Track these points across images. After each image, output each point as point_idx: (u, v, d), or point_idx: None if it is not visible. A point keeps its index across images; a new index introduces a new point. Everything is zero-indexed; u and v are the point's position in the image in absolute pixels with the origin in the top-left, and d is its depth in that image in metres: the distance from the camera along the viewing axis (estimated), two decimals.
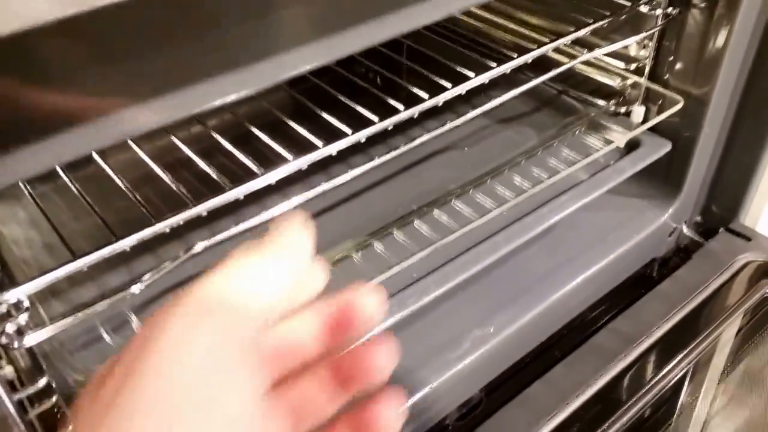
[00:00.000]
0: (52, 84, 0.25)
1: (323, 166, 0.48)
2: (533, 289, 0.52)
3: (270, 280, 0.22)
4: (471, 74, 0.45)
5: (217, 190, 0.36)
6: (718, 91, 0.56)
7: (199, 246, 0.34)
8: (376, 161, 0.42)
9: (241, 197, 0.36)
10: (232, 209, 0.37)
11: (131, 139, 0.46)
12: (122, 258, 0.49)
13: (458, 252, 0.50)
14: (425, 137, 0.45)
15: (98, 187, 0.44)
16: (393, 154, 0.44)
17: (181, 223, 0.34)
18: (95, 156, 0.44)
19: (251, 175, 0.37)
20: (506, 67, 0.46)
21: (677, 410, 0.49)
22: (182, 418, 0.19)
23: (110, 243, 0.31)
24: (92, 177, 0.45)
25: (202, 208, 0.34)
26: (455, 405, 0.48)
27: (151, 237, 0.34)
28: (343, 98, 0.48)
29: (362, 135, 0.39)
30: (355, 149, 0.56)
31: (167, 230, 0.33)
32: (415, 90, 0.44)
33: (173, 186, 0.38)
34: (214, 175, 0.39)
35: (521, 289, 0.52)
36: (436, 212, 0.54)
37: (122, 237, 0.32)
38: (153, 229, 0.33)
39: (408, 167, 0.63)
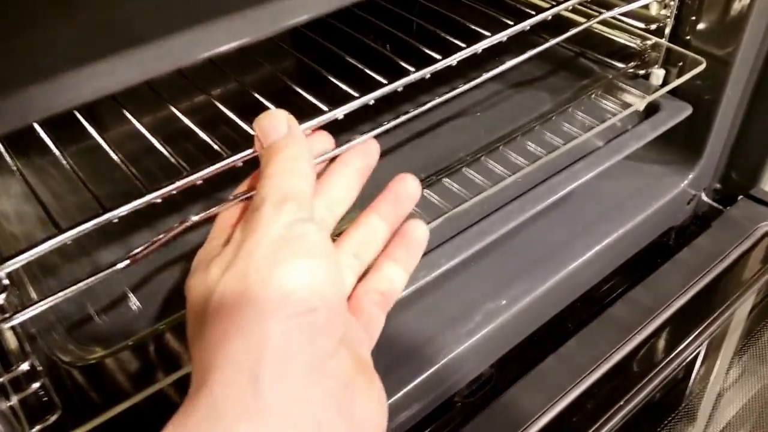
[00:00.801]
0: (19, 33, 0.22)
1: (331, 133, 0.46)
2: (547, 260, 0.50)
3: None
4: (487, 33, 0.42)
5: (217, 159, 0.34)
6: (742, 52, 0.53)
7: (194, 218, 0.32)
8: (385, 126, 0.40)
9: (240, 164, 0.34)
10: (232, 180, 0.35)
11: (129, 111, 0.44)
12: (122, 235, 0.47)
13: (470, 222, 0.49)
14: (435, 101, 0.42)
15: (97, 159, 0.42)
16: (402, 118, 0.41)
17: (175, 193, 0.32)
18: (87, 126, 0.42)
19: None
20: (524, 25, 0.43)
21: (690, 386, 0.47)
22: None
23: (98, 215, 0.29)
24: (92, 149, 0.43)
25: (197, 177, 0.32)
26: (465, 382, 0.47)
27: (150, 212, 0.33)
28: (351, 60, 0.46)
29: (370, 98, 0.37)
30: (364, 117, 0.53)
31: (159, 201, 0.31)
32: (427, 51, 0.42)
33: (170, 157, 0.36)
34: (214, 145, 0.37)
35: (535, 260, 0.50)
36: (446, 180, 0.52)
37: (111, 209, 0.30)
38: (144, 200, 0.31)
39: (418, 135, 0.61)
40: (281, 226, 0.27)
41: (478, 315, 0.48)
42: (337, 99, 0.40)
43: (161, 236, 0.32)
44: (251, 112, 0.43)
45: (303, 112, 0.39)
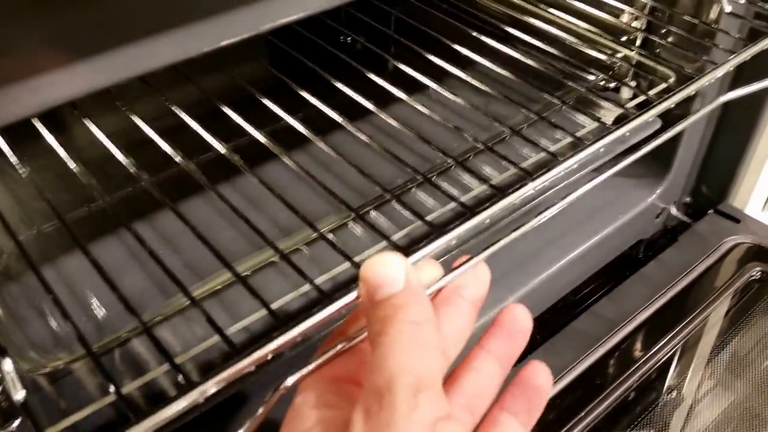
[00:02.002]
0: None
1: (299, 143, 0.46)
2: (515, 272, 0.50)
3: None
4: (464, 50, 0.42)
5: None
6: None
7: (290, 381, 0.26)
8: (495, 246, 0.38)
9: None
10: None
11: (92, 117, 0.44)
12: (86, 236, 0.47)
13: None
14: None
15: (60, 164, 0.42)
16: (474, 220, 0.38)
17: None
18: (46, 134, 0.41)
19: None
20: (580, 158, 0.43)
21: (663, 394, 0.47)
22: None
23: None
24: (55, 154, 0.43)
25: None
26: None
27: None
28: (326, 75, 0.46)
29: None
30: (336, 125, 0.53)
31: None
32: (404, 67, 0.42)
33: (130, 167, 0.36)
34: (176, 157, 0.36)
35: (502, 272, 0.50)
36: (415, 191, 0.52)
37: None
38: None
39: (388, 143, 0.61)
40: (420, 427, 0.21)
41: None
42: (301, 107, 0.40)
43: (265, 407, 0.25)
44: (213, 118, 0.43)
45: (271, 118, 0.39)
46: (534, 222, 0.36)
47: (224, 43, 0.29)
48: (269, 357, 0.25)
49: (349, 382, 0.26)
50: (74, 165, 0.36)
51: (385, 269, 0.24)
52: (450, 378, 0.26)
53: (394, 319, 0.23)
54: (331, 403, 0.24)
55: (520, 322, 0.28)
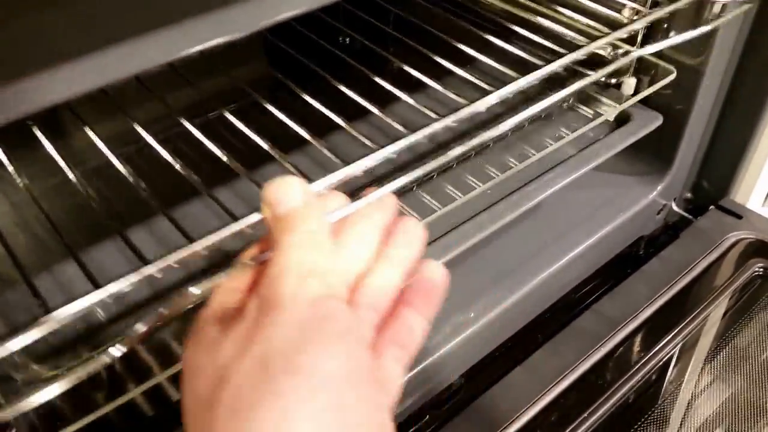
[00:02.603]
0: None
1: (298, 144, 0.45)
2: (516, 271, 0.50)
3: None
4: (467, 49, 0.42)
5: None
6: (713, 61, 0.53)
7: (194, 290, 0.29)
8: (404, 178, 0.38)
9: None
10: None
11: (90, 124, 0.43)
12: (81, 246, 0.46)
13: (440, 233, 0.48)
14: (457, 151, 0.41)
15: (57, 170, 0.41)
16: (421, 171, 0.39)
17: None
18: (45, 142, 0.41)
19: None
20: (556, 66, 0.43)
21: (662, 393, 0.47)
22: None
23: None
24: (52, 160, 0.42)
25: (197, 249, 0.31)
26: (434, 393, 0.47)
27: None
28: (330, 78, 0.45)
29: (391, 150, 0.37)
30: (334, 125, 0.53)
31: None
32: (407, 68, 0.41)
33: (129, 176, 0.35)
34: (176, 164, 0.36)
35: (504, 271, 0.50)
36: (417, 191, 0.51)
37: None
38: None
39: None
40: (305, 305, 0.24)
41: (446, 327, 0.48)
42: (302, 109, 0.39)
43: (161, 313, 0.29)
44: (211, 123, 0.43)
45: (267, 122, 0.39)
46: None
47: (221, 40, 0.29)
48: (174, 265, 0.29)
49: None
50: (72, 174, 0.36)
51: (285, 188, 0.28)
52: (355, 284, 0.29)
53: (293, 227, 0.27)
54: (232, 305, 0.27)
55: (414, 231, 0.31)
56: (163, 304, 0.29)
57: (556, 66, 0.43)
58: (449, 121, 0.39)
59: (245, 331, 0.24)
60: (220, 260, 0.37)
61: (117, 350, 0.28)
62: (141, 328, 0.28)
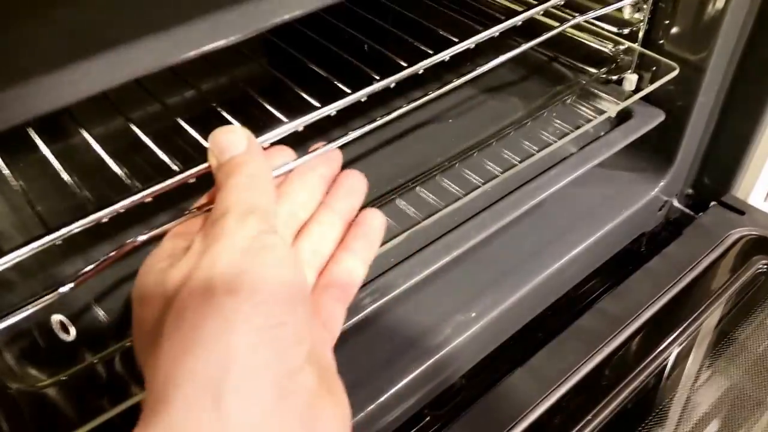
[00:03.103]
0: None
1: (298, 141, 0.45)
2: (518, 270, 0.50)
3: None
4: (455, 39, 0.41)
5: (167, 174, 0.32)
6: (715, 57, 0.53)
7: (141, 237, 0.31)
8: (351, 135, 0.39)
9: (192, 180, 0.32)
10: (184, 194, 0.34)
11: (82, 121, 0.43)
12: (80, 247, 0.46)
13: (441, 232, 0.48)
14: (402, 110, 0.41)
15: (51, 169, 0.41)
16: (367, 127, 0.40)
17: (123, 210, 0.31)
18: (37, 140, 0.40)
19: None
20: (492, 32, 0.42)
21: (666, 393, 0.47)
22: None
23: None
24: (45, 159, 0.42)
25: (145, 194, 0.31)
26: (435, 394, 0.46)
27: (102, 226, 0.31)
28: (317, 68, 0.45)
29: (333, 107, 0.36)
30: (333, 123, 0.52)
31: (106, 219, 0.30)
32: (396, 59, 0.41)
33: (119, 170, 0.35)
34: (165, 158, 0.35)
35: (505, 270, 0.50)
36: (418, 189, 0.51)
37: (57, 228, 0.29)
38: (90, 219, 0.29)
39: (389, 141, 0.60)
40: (246, 237, 0.26)
41: (447, 328, 0.47)
42: (301, 108, 0.38)
43: (109, 255, 0.31)
44: (209, 122, 0.42)
45: (265, 122, 0.38)
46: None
47: (222, 42, 0.28)
48: (121, 210, 0.31)
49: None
50: (67, 176, 0.35)
51: (229, 137, 0.29)
52: (299, 232, 0.31)
53: (235, 172, 0.28)
54: (181, 246, 0.29)
55: (356, 182, 0.33)
56: None
57: (497, 29, 0.42)
58: (408, 72, 0.39)
59: (191, 260, 0.26)
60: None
61: (66, 287, 0.29)
62: (89, 267, 0.30)
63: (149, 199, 0.32)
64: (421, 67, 0.39)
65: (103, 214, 0.31)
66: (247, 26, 0.29)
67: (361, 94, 0.37)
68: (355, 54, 0.49)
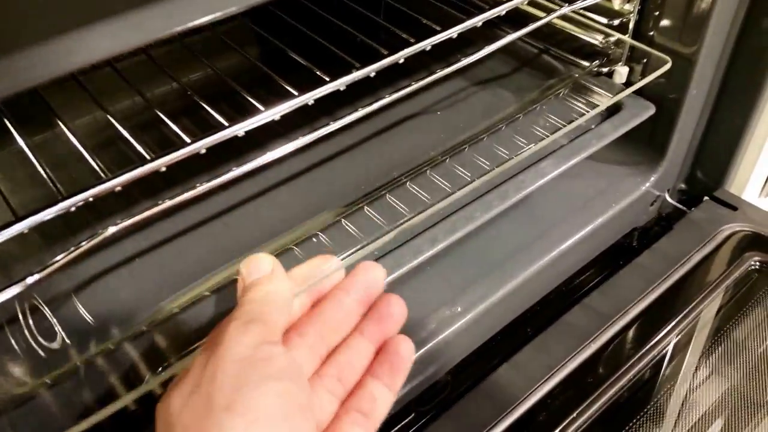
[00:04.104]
0: None
1: (274, 135, 0.44)
2: (506, 263, 0.49)
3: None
4: (437, 28, 0.40)
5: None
6: (706, 49, 0.52)
7: (111, 230, 0.30)
8: (335, 124, 0.38)
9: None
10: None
11: (61, 111, 0.42)
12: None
13: (427, 225, 0.47)
14: (387, 99, 0.40)
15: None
16: (352, 117, 0.39)
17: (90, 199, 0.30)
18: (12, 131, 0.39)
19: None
20: (476, 21, 0.42)
21: (657, 390, 0.46)
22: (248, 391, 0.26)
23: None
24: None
25: (116, 183, 0.30)
26: (421, 389, 0.46)
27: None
28: (306, 62, 0.44)
29: (311, 95, 0.35)
30: (319, 115, 0.51)
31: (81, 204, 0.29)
32: (385, 51, 0.40)
33: (93, 162, 0.34)
34: (141, 149, 0.34)
35: (493, 263, 0.49)
36: (408, 184, 0.50)
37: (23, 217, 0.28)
38: (60, 206, 0.28)
39: (378, 133, 0.59)
40: (246, 346, 0.27)
41: (432, 322, 0.46)
42: (280, 95, 0.38)
43: (78, 246, 0.30)
44: (192, 114, 0.41)
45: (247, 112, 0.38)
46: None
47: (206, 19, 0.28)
48: (90, 199, 0.30)
49: None
50: (40, 167, 0.34)
51: (255, 262, 0.31)
52: (327, 356, 0.31)
53: (252, 289, 0.30)
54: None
55: (392, 309, 0.32)
56: None
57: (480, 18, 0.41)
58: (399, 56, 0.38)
59: (195, 373, 0.27)
60: None
61: (32, 278, 0.29)
62: (59, 258, 0.30)
63: (119, 188, 0.31)
64: (402, 55, 0.39)
65: (72, 203, 0.30)
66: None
67: (341, 82, 0.36)
68: (346, 47, 0.48)
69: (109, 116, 0.40)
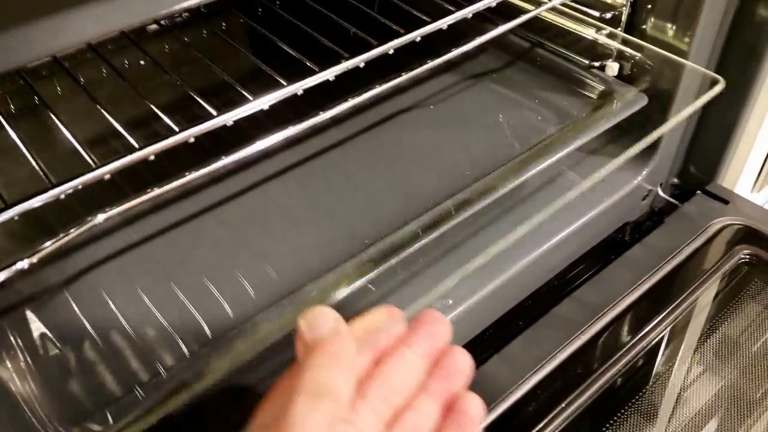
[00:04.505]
0: None
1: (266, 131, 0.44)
2: (496, 258, 0.49)
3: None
4: (428, 19, 0.40)
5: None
6: (697, 42, 0.52)
7: (100, 217, 0.30)
8: (327, 113, 0.37)
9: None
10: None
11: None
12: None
13: (416, 215, 0.47)
14: (377, 90, 0.40)
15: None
16: (344, 106, 0.39)
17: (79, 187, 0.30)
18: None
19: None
20: (465, 12, 0.42)
21: (650, 381, 0.46)
22: None
23: None
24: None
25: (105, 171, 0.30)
26: None
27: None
28: (293, 52, 0.44)
29: (299, 86, 0.35)
30: (310, 110, 0.51)
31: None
32: (367, 37, 0.40)
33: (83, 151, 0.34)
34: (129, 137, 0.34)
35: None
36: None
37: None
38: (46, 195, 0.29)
39: (371, 127, 0.59)
40: (318, 425, 0.25)
41: None
42: (271, 87, 0.38)
43: (68, 233, 0.30)
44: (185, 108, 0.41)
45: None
46: None
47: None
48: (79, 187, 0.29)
49: None
50: (35, 162, 0.34)
51: (316, 317, 0.29)
52: (391, 417, 0.29)
53: (316, 350, 0.28)
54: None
55: (458, 363, 0.30)
56: None
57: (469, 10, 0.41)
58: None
59: None
60: None
61: (24, 263, 0.29)
62: (48, 244, 0.30)
63: (108, 177, 0.31)
64: (391, 46, 0.39)
65: (61, 190, 0.30)
66: None
67: (330, 72, 0.36)
68: (340, 40, 0.48)
69: (99, 106, 0.40)
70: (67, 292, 0.44)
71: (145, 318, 0.42)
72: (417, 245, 0.45)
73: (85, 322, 0.42)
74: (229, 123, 0.33)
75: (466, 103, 0.61)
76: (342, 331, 0.28)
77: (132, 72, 0.47)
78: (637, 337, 0.46)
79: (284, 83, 0.36)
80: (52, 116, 0.40)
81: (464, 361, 0.30)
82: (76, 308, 0.42)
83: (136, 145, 0.32)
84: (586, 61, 0.59)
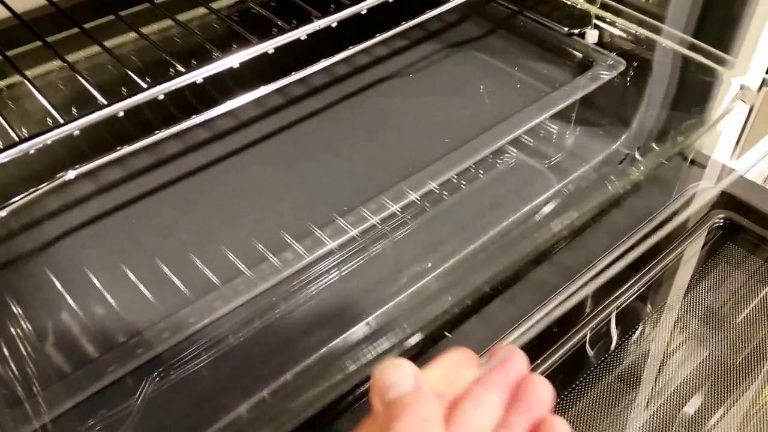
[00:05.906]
0: None
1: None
2: (472, 224, 0.49)
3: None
4: None
5: None
6: (673, 6, 0.52)
7: (71, 174, 0.30)
8: (300, 73, 0.37)
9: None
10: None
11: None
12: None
13: (395, 181, 0.47)
14: (350, 51, 0.40)
15: None
16: (317, 66, 0.39)
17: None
18: None
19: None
20: None
21: (620, 341, 0.47)
22: None
23: None
24: None
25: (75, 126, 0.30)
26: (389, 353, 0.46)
27: None
28: (268, 14, 0.43)
29: (270, 44, 0.35)
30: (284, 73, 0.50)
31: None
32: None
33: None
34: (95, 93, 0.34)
35: (460, 225, 0.49)
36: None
37: None
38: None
39: (350, 96, 0.59)
40: None
41: (404, 278, 0.47)
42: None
43: (38, 188, 0.30)
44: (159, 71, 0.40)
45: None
46: None
47: None
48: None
49: None
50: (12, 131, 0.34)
51: (395, 373, 0.27)
52: None
53: (403, 415, 0.26)
54: None
55: (539, 394, 0.29)
56: None
57: None
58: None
59: None
60: None
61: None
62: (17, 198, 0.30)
63: (77, 132, 0.31)
64: (365, 6, 0.38)
65: (30, 145, 0.30)
66: None
67: (301, 31, 0.36)
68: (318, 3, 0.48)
69: (69, 67, 0.40)
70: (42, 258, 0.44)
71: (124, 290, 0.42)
72: (397, 207, 0.45)
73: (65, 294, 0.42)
74: (199, 80, 0.32)
75: (447, 72, 0.61)
76: (423, 388, 0.27)
77: (104, 36, 0.46)
78: (611, 298, 0.47)
79: (255, 41, 0.35)
80: (24, 81, 0.40)
81: (545, 391, 0.29)
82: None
83: (105, 102, 0.32)
84: (566, 29, 0.59)
